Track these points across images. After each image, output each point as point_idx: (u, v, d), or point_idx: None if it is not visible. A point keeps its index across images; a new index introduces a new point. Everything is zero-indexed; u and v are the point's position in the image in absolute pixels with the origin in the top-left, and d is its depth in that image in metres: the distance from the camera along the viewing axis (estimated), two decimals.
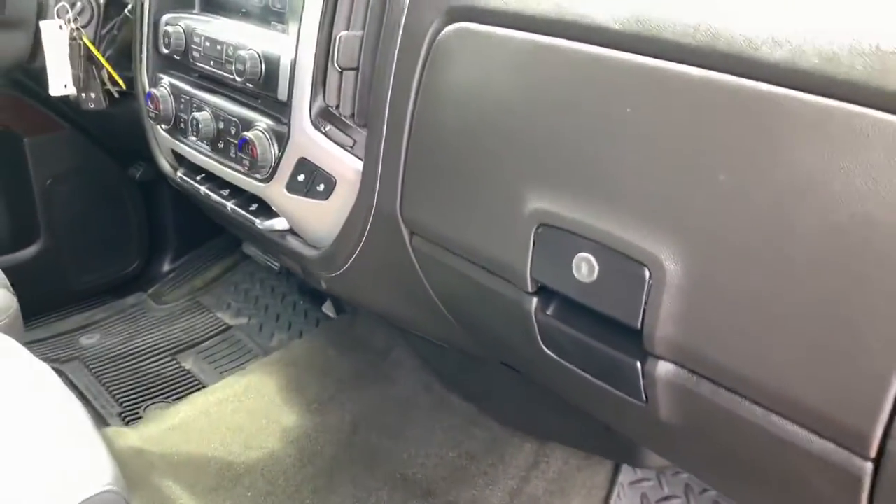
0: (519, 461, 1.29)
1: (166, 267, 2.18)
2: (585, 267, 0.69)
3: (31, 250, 1.85)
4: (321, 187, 0.94)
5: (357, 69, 0.89)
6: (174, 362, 1.86)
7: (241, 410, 1.41)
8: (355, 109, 0.90)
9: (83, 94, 1.33)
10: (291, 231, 1.04)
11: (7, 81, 1.70)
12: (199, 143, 1.08)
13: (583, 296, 0.70)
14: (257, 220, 1.03)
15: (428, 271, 0.92)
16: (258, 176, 0.98)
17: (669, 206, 0.63)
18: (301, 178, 0.95)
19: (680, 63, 0.62)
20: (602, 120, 0.67)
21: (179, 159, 1.21)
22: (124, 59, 1.34)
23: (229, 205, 1.08)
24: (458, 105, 0.79)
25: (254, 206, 1.06)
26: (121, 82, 1.33)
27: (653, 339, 0.65)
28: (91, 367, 1.83)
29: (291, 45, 0.93)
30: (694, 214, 0.61)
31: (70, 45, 1.29)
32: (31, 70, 1.45)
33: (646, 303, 0.65)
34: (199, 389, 1.71)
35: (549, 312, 0.76)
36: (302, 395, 1.45)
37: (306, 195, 0.95)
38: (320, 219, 0.97)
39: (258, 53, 0.95)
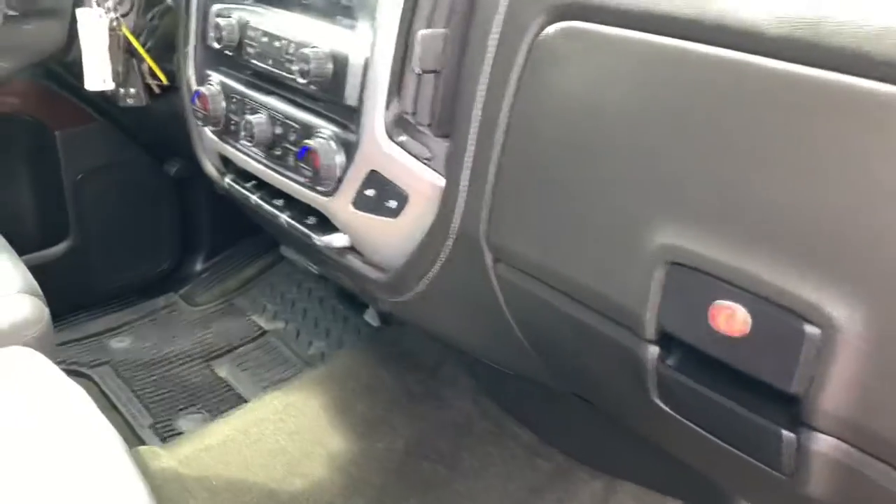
0: (586, 497, 1.19)
1: (199, 266, 2.11)
2: (726, 317, 0.58)
3: (59, 248, 1.79)
4: (392, 204, 0.84)
5: (439, 72, 0.78)
6: (208, 369, 1.78)
7: (283, 431, 1.32)
8: (435, 118, 0.80)
9: (122, 90, 1.24)
10: (352, 248, 0.94)
11: (41, 71, 1.61)
12: (251, 148, 0.97)
13: (720, 350, 0.59)
14: (315, 236, 0.93)
15: (512, 302, 0.81)
16: (320, 189, 0.88)
17: (847, 248, 0.51)
18: (370, 192, 0.84)
19: (864, 77, 0.51)
20: (753, 140, 0.56)
21: (226, 163, 1.11)
22: (165, 51, 1.24)
23: (283, 217, 0.98)
24: (566, 115, 0.68)
25: (311, 220, 0.96)
26: (162, 77, 1.23)
27: (815, 409, 0.54)
28: (121, 372, 1.76)
29: (363, 44, 0.82)
30: (882, 259, 0.50)
31: (109, 35, 1.19)
32: (67, 62, 1.36)
33: (808, 366, 0.54)
34: (233, 398, 1.63)
35: (671, 364, 0.65)
36: (348, 416, 1.36)
37: (375, 212, 0.85)
38: (389, 239, 0.87)
39: (325, 52, 0.85)
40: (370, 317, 1.82)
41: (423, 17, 0.77)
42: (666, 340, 0.65)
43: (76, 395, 0.90)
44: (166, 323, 1.95)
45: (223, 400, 1.64)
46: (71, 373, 1.72)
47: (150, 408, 1.64)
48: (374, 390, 1.40)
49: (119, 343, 1.86)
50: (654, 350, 0.66)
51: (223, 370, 1.76)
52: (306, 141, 0.87)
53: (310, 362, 1.75)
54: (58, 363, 1.75)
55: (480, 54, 0.74)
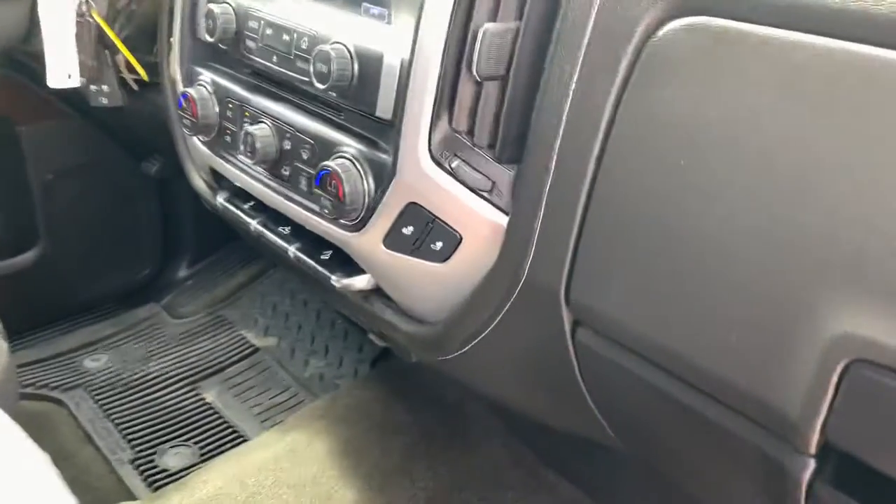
0: None
1: (182, 273, 1.98)
2: None
3: (28, 256, 1.65)
4: (438, 245, 0.65)
5: (506, 79, 0.60)
6: (194, 392, 1.61)
7: (284, 483, 1.14)
8: (499, 138, 0.61)
9: (94, 87, 1.04)
10: (378, 290, 0.76)
11: (2, 60, 1.42)
12: (252, 166, 0.79)
13: None
14: (333, 277, 0.75)
15: (592, 374, 0.64)
16: (344, 222, 0.69)
17: None
18: (409, 230, 0.66)
19: None
20: None
21: (219, 177, 0.92)
22: (145, 40, 1.04)
23: (291, 250, 0.79)
24: (690, 142, 0.50)
25: (326, 254, 0.78)
26: (142, 72, 1.04)
27: None
28: (97, 397, 1.60)
29: (402, 39, 0.63)
30: None
31: (77, 23, 1.00)
32: (30, 52, 1.16)
33: None
34: (223, 428, 1.47)
35: (832, 482, 0.48)
36: (360, 463, 1.18)
37: (415, 255, 0.67)
38: (432, 288, 0.69)
39: (349, 49, 0.66)
40: (374, 335, 1.66)
41: (486, 4, 0.59)
42: (825, 453, 0.48)
43: (41, 470, 0.72)
44: (147, 337, 1.79)
45: (212, 430, 1.48)
46: (40, 398, 1.55)
47: (129, 440, 1.48)
48: (389, 432, 1.22)
49: (94, 362, 1.71)
50: (809, 464, 0.49)
51: (211, 394, 1.60)
52: (325, 163, 0.68)
53: (307, 385, 1.59)
54: (24, 387, 1.57)
55: (567, 57, 0.55)
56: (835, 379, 0.45)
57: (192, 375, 1.63)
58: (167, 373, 1.63)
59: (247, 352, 1.70)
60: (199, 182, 0.95)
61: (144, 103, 1.12)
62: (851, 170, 0.43)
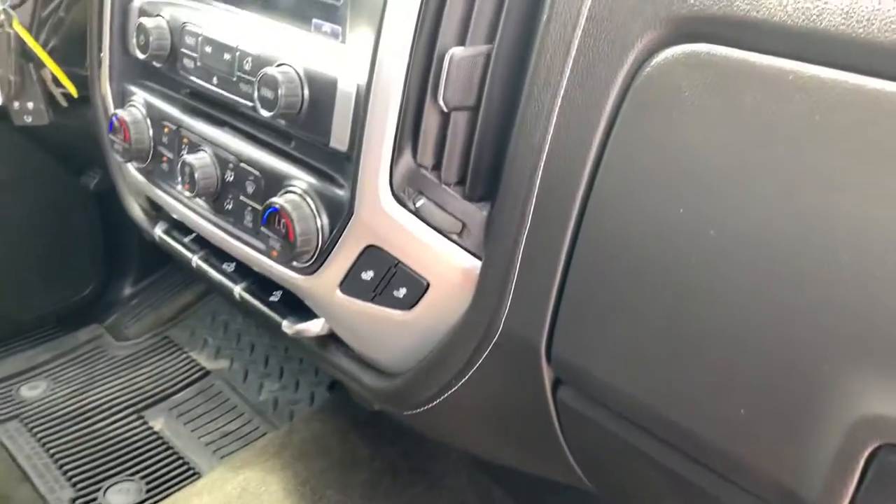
0: None
1: (127, 291, 1.88)
2: None
3: None
4: (401, 292, 0.58)
5: (476, 109, 0.53)
6: (140, 421, 1.52)
7: None
8: (469, 174, 0.54)
9: (17, 104, 0.95)
10: (336, 335, 0.68)
11: None
12: (193, 199, 0.71)
13: None
14: (284, 322, 0.67)
15: (575, 434, 0.58)
16: (295, 265, 0.62)
17: None
18: (368, 275, 0.59)
19: None
20: None
21: (157, 205, 0.83)
22: (75, 51, 0.95)
23: (237, 290, 0.72)
24: (693, 187, 0.44)
25: (276, 295, 0.70)
26: (70, 87, 0.94)
27: None
28: (35, 429, 1.50)
29: (357, 62, 0.56)
30: None
31: None
32: None
33: None
34: (172, 459, 1.38)
35: None
36: None
37: (375, 301, 0.60)
38: (394, 336, 0.61)
39: (298, 72, 0.58)
40: None
41: (453, 25, 0.52)
42: None
43: None
44: (89, 362, 1.70)
45: (160, 462, 1.39)
46: None
47: (70, 477, 1.38)
48: (348, 467, 1.15)
49: (31, 390, 1.60)
50: None
51: (158, 422, 1.51)
52: (273, 199, 0.60)
53: (261, 410, 1.51)
54: None
55: (546, 86, 0.48)
56: (861, 464, 0.39)
57: (137, 403, 1.53)
58: (111, 400, 1.53)
59: (196, 375, 1.61)
60: (135, 210, 0.86)
61: (76, 118, 1.03)
62: (883, 226, 0.38)
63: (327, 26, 0.61)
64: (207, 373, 1.61)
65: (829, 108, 0.39)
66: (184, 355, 1.67)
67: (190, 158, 0.68)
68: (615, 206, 0.48)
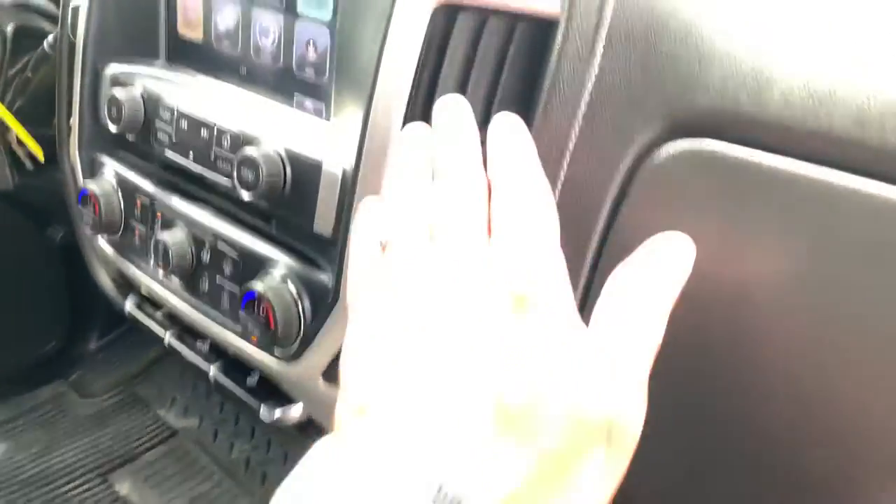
0: None
1: (92, 346, 1.81)
2: None
3: None
4: None
5: None
6: (105, 486, 1.46)
7: None
8: None
9: None
10: (316, 424, 0.65)
11: None
12: (166, 276, 0.67)
13: None
14: (262, 409, 0.64)
15: None
16: (276, 352, 0.59)
17: None
18: None
19: None
20: None
21: (127, 278, 0.80)
22: (43, 112, 0.92)
23: (212, 370, 0.69)
24: (704, 299, 0.42)
25: (254, 377, 0.67)
26: (37, 151, 0.91)
27: None
28: None
29: (343, 143, 0.54)
30: None
31: None
32: None
33: None
34: None
35: None
36: None
37: None
38: None
39: (280, 153, 0.56)
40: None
41: None
42: None
43: None
44: (52, 422, 1.63)
45: None
46: None
47: None
48: None
49: None
50: None
51: (124, 486, 1.45)
52: (252, 283, 0.58)
53: (231, 471, 1.45)
54: None
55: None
56: None
57: (102, 465, 1.47)
58: (74, 463, 1.47)
59: (164, 435, 1.55)
60: (105, 281, 0.83)
61: (44, 181, 0.99)
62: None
63: (310, 103, 0.59)
64: (175, 432, 1.56)
65: (841, 212, 0.37)
66: (150, 414, 1.61)
67: (164, 236, 0.65)
68: None
